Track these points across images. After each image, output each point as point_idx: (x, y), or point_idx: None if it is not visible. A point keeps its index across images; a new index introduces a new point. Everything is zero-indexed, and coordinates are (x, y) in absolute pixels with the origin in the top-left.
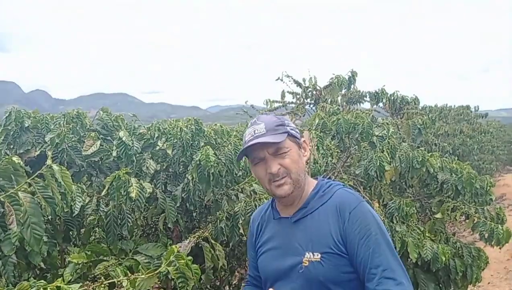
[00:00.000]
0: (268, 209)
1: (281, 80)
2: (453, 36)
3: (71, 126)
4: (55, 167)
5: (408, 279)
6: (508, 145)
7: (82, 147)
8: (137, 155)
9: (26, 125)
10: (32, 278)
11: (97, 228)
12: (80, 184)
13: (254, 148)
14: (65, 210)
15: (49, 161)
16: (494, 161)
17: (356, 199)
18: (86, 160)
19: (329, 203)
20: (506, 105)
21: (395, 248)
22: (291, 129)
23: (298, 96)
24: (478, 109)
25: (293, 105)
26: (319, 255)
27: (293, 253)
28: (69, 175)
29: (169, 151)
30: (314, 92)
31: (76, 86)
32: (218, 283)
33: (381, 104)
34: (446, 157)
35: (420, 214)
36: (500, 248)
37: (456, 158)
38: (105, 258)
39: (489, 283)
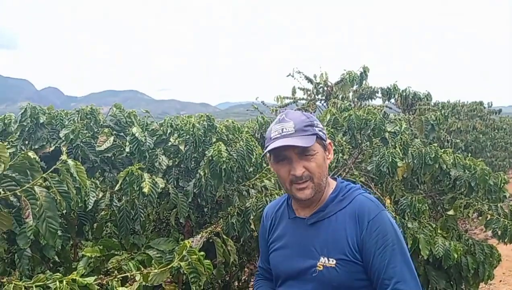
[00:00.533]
0: (283, 205)
1: (292, 76)
2: (465, 31)
3: (85, 122)
4: (70, 162)
5: (420, 288)
6: None
7: (96, 143)
8: (150, 151)
9: (41, 121)
10: (46, 271)
11: (109, 223)
12: (93, 179)
13: (283, 148)
14: (79, 205)
15: (64, 157)
16: (507, 158)
17: (376, 207)
18: (100, 156)
19: (348, 208)
20: None
21: (407, 244)
22: (320, 131)
23: (309, 92)
24: (491, 105)
25: (304, 101)
26: (334, 261)
27: (307, 256)
28: (84, 170)
29: (182, 147)
30: (325, 88)
31: (87, 84)
32: (228, 278)
33: (392, 100)
34: (458, 154)
35: (432, 211)
36: None
37: (468, 154)
38: (117, 253)
39: (500, 281)
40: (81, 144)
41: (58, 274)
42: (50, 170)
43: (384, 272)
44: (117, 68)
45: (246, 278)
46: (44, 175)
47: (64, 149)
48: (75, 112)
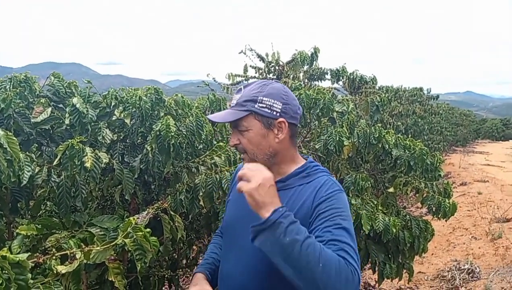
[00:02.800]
0: None
1: (244, 53)
2: (412, 20)
3: (18, 90)
4: (0, 132)
5: (357, 255)
6: (454, 127)
7: (31, 114)
8: (92, 124)
9: None
10: None
11: (48, 201)
12: (29, 153)
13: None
14: (12, 180)
15: None
16: (442, 141)
17: (337, 187)
18: (36, 128)
19: (310, 185)
20: (455, 89)
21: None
22: (262, 107)
23: (260, 71)
24: (430, 91)
25: (256, 79)
26: None
27: (257, 217)
28: (16, 142)
29: (127, 121)
30: (277, 68)
31: (24, 54)
32: (176, 256)
33: (341, 83)
34: (399, 136)
35: (374, 188)
36: (446, 221)
37: (408, 137)
38: (56, 232)
39: (432, 254)
40: (14, 114)
41: None
42: None
43: (333, 234)
44: (59, 39)
45: (195, 256)
46: None
47: None
48: (7, 80)
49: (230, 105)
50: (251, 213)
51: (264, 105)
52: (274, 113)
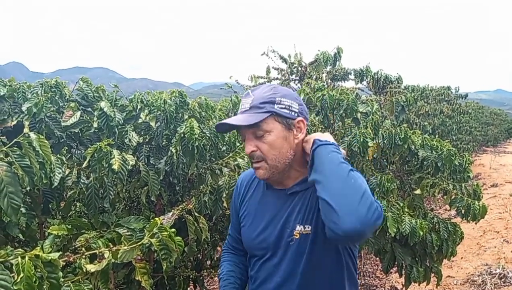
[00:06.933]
0: None
1: (267, 55)
2: (439, 19)
3: (49, 95)
4: (32, 135)
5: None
6: (485, 127)
7: (61, 118)
8: (119, 126)
9: (2, 93)
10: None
11: (77, 202)
12: (59, 155)
13: (225, 125)
14: (44, 181)
15: (26, 130)
16: (471, 141)
17: None
18: (66, 132)
19: None
20: (485, 87)
21: None
22: (282, 108)
23: (283, 72)
24: (458, 90)
25: (278, 81)
26: (310, 228)
27: (283, 226)
28: (48, 144)
29: (152, 124)
30: (300, 68)
31: (54, 60)
32: (200, 257)
33: (365, 83)
34: (426, 136)
35: (399, 190)
36: (475, 223)
37: (436, 137)
38: (86, 232)
39: (462, 257)
40: (46, 118)
41: (20, 249)
42: (11, 143)
43: None
44: (87, 44)
45: (219, 257)
46: (4, 149)
47: (26, 123)
48: (39, 85)
49: (240, 111)
50: (278, 233)
51: (283, 106)
52: (293, 113)
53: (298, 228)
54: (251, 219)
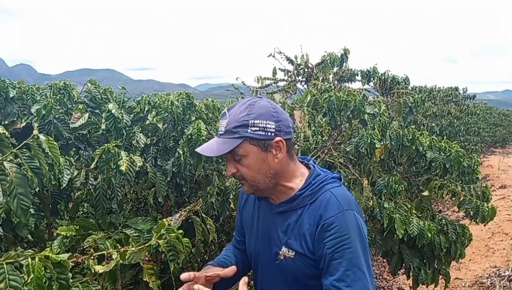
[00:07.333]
0: None
1: (273, 56)
2: (445, 20)
3: (58, 97)
4: (42, 137)
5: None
6: (493, 127)
7: (70, 120)
8: (127, 128)
9: (11, 95)
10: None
11: (85, 203)
12: (68, 157)
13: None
14: (53, 183)
15: (35, 132)
16: (479, 142)
17: (338, 207)
18: (74, 133)
19: (313, 204)
20: (493, 88)
21: (383, 225)
22: (256, 131)
23: (289, 74)
24: (466, 91)
25: (285, 82)
26: (294, 253)
27: (272, 242)
28: (57, 146)
29: (160, 125)
30: (306, 70)
31: (62, 61)
32: (207, 258)
33: (372, 84)
34: (434, 137)
35: (407, 192)
36: (484, 225)
37: (443, 138)
38: (93, 233)
39: (470, 260)
40: (54, 120)
41: (30, 250)
42: (21, 145)
43: (335, 272)
44: (94, 46)
45: None
46: (14, 150)
47: (35, 125)
48: (47, 87)
49: (218, 134)
50: (268, 247)
51: (257, 128)
52: (269, 134)
53: (284, 249)
54: (249, 225)
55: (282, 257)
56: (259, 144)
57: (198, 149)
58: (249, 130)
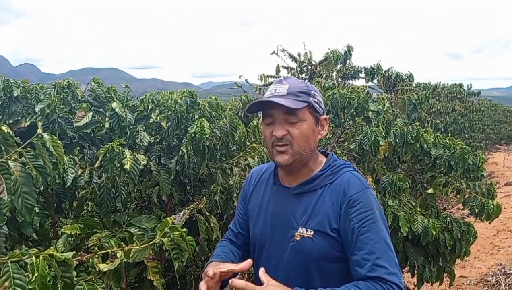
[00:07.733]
0: (270, 171)
1: (276, 54)
2: (448, 16)
3: (61, 96)
4: (46, 136)
5: (399, 270)
6: (498, 124)
7: (74, 119)
8: (131, 127)
9: (15, 95)
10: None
11: (89, 202)
12: (72, 155)
13: (270, 106)
14: (57, 181)
15: (39, 131)
16: (484, 139)
17: (360, 184)
18: (78, 132)
19: (334, 184)
20: (498, 84)
21: (387, 222)
22: (315, 102)
23: (293, 71)
24: (471, 87)
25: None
26: (312, 232)
27: (286, 225)
28: (61, 145)
29: (163, 124)
30: (310, 67)
31: (66, 61)
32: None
33: (375, 81)
34: (438, 134)
35: (412, 189)
36: (489, 223)
37: (448, 135)
38: (98, 231)
39: (475, 257)
40: (58, 119)
41: (34, 249)
42: (25, 144)
43: (364, 246)
44: (97, 45)
45: None
46: (18, 149)
47: (40, 124)
48: (51, 86)
49: (273, 95)
50: (280, 232)
51: (316, 100)
52: (321, 110)
53: (301, 230)
54: (255, 212)
55: (298, 238)
56: (315, 114)
57: (272, 98)
58: (311, 99)
